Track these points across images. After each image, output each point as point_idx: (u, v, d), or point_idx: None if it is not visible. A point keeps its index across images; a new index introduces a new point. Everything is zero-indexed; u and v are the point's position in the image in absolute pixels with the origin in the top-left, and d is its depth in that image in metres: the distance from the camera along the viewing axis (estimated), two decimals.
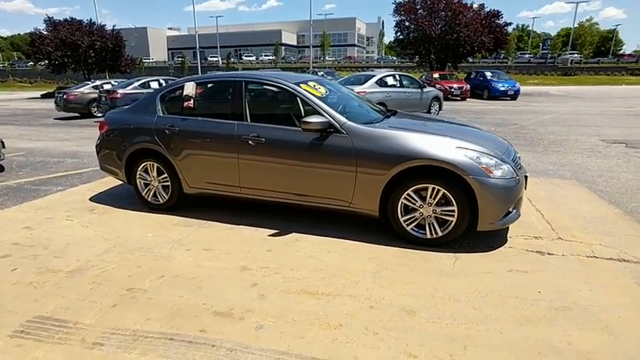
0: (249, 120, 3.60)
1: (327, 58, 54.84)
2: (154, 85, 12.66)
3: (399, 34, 25.66)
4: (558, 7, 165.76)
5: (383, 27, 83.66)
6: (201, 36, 43.96)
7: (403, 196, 3.14)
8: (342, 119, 3.30)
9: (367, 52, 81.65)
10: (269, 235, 3.46)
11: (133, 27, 62.63)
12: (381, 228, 3.42)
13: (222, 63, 49.56)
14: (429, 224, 3.15)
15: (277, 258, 3.05)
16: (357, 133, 3.22)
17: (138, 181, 4.10)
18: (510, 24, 24.87)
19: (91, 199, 4.53)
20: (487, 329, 2.16)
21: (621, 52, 68.94)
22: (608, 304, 2.38)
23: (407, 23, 24.68)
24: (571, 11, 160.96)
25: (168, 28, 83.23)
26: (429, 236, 3.17)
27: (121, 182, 4.89)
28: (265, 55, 55.18)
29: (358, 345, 2.05)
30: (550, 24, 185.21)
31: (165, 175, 3.94)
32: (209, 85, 4.13)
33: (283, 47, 55.29)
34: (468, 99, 19.70)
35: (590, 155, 6.63)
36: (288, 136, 3.43)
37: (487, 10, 24.81)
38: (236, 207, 4.08)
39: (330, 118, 3.27)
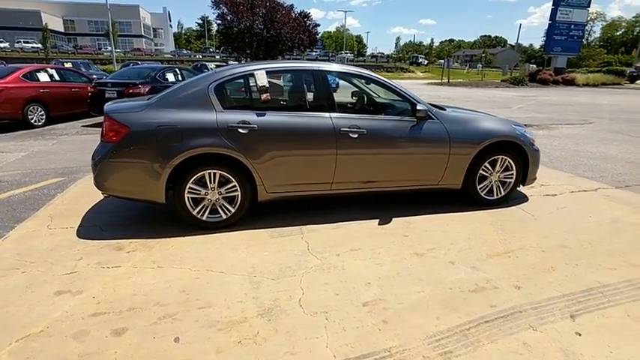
0: (337, 112, 3.44)
1: (115, 49, 47.10)
2: None
3: (222, 27, 25.19)
4: (314, 13, 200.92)
5: (170, 18, 78.49)
6: None
7: (481, 169, 3.82)
8: (430, 107, 3.66)
9: (156, 45, 74.86)
10: (379, 225, 3.49)
11: None
12: (438, 197, 4.01)
13: None
14: (496, 187, 3.96)
15: (425, 240, 3.20)
16: (447, 119, 3.67)
17: (186, 197, 3.19)
18: (319, 25, 28.55)
19: (82, 237, 3.14)
20: (610, 242, 3.17)
21: (368, 54, 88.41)
22: (623, 213, 3.81)
23: (229, 17, 24.52)
24: (324, 17, 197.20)
25: None
26: (495, 197, 3.98)
27: (92, 206, 3.65)
28: (26, 42, 42.35)
29: (576, 276, 2.66)
30: None
31: (233, 183, 3.24)
32: (279, 76, 3.57)
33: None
34: None
35: None
36: (386, 125, 3.52)
37: (298, 10, 27.47)
38: (288, 207, 3.77)
39: (424, 107, 3.58)
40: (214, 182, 3.22)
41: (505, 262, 2.84)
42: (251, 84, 3.28)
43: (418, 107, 3.46)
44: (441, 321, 2.17)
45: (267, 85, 3.26)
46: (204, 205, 3.25)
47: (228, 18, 24.81)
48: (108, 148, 3.08)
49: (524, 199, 4.24)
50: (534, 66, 39.51)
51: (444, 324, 2.14)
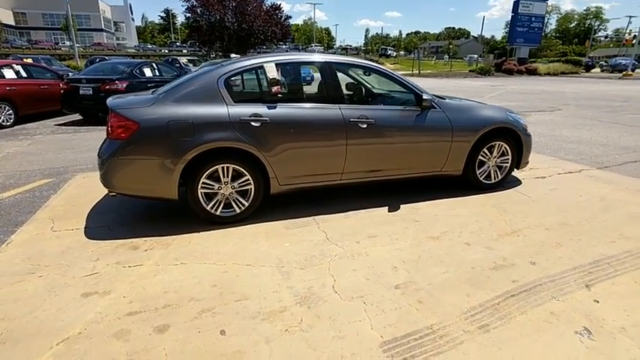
0: (346, 102, 3.49)
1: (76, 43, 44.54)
2: None
3: (191, 20, 24.41)
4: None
5: (131, 11, 75.29)
6: None
7: (480, 154, 3.99)
8: (432, 97, 3.77)
9: (118, 39, 71.61)
10: (388, 212, 3.59)
11: None
12: (438, 183, 4.17)
13: None
14: (494, 172, 4.15)
15: (436, 224, 3.32)
16: (448, 107, 3.80)
17: (200, 193, 3.15)
18: (290, 17, 28.25)
19: (92, 238, 3.04)
20: (604, 219, 3.42)
21: (336, 46, 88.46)
22: (609, 191, 4.10)
23: (199, 10, 23.77)
24: (290, 10, 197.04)
25: None
26: (492, 181, 4.17)
27: (93, 206, 3.58)
28: None
29: (582, 250, 2.86)
30: None
31: (247, 177, 3.23)
32: (286, 68, 3.55)
33: None
34: None
35: None
36: (393, 115, 3.60)
37: (269, 3, 27.06)
38: (295, 199, 3.81)
39: (429, 96, 3.68)
40: (227, 176, 3.19)
41: (515, 241, 3.01)
42: (260, 76, 3.26)
43: (424, 97, 3.56)
44: (472, 298, 2.29)
45: (278, 78, 3.25)
46: (217, 199, 3.23)
47: (198, 11, 24.10)
48: (117, 145, 2.98)
49: (517, 182, 4.46)
50: (491, 56, 41.37)
51: (475, 300, 2.26)
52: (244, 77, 3.38)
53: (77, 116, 9.39)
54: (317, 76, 3.47)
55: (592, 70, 40.04)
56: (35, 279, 2.49)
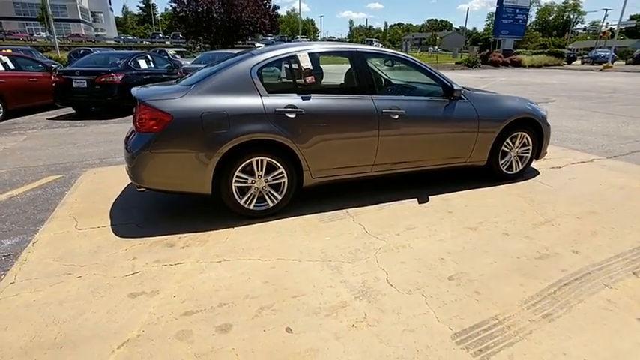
0: (378, 93, 3.44)
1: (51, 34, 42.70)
2: None
3: (178, 10, 23.70)
4: None
5: (110, 2, 72.84)
6: None
7: (503, 145, 4.01)
8: (460, 87, 3.75)
9: (96, 30, 69.24)
10: (419, 204, 3.57)
11: None
12: (459, 175, 4.19)
13: None
14: (515, 162, 4.18)
15: (470, 215, 3.32)
16: (474, 98, 3.79)
17: (233, 187, 3.06)
18: (278, 7, 27.74)
19: (122, 236, 2.92)
20: (630, 207, 3.49)
21: (319, 39, 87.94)
22: (625, 180, 4.19)
23: (186, 0, 23.11)
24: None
25: None
26: (514, 172, 4.21)
27: (113, 203, 3.46)
28: None
29: (618, 237, 2.92)
30: None
31: (280, 170, 3.15)
32: (315, 57, 3.45)
33: None
34: None
35: None
36: (423, 105, 3.57)
37: None
38: (320, 192, 3.77)
39: (459, 87, 3.66)
40: (261, 170, 3.11)
41: (551, 230, 3.04)
42: (293, 66, 3.17)
43: (455, 87, 3.55)
44: (526, 287, 2.30)
45: (311, 67, 3.17)
46: (251, 193, 3.14)
47: (185, 1, 23.38)
48: (148, 138, 2.85)
49: (535, 172, 4.52)
50: (476, 48, 41.85)
51: (531, 290, 2.27)
52: (276, 67, 3.28)
53: (68, 110, 9.03)
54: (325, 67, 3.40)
55: (573, 63, 40.98)
56: (74, 280, 2.37)
